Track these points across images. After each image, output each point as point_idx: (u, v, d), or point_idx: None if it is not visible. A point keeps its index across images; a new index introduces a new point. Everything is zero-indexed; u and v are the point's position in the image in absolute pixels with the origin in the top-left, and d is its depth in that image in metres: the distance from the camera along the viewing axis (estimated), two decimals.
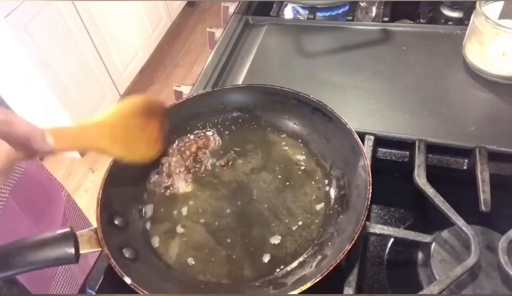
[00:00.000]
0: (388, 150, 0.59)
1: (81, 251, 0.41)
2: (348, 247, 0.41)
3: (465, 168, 0.56)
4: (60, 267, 0.72)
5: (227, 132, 0.61)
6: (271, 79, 0.62)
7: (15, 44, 1.50)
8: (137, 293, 0.40)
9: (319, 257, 0.45)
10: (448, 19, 0.83)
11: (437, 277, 0.43)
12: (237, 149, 0.59)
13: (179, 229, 0.51)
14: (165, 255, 0.49)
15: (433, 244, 0.45)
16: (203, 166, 0.57)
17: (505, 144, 0.53)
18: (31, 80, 1.63)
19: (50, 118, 1.79)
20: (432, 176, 0.50)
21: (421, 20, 0.80)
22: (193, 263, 0.48)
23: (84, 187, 1.91)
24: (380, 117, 0.61)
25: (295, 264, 0.47)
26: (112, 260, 0.42)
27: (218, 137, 0.60)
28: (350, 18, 0.83)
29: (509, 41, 0.60)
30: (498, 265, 0.42)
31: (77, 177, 1.94)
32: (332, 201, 0.52)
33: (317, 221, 0.50)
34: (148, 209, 0.53)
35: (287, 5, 0.92)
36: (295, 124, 0.59)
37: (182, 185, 0.56)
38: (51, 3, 1.62)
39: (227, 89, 0.62)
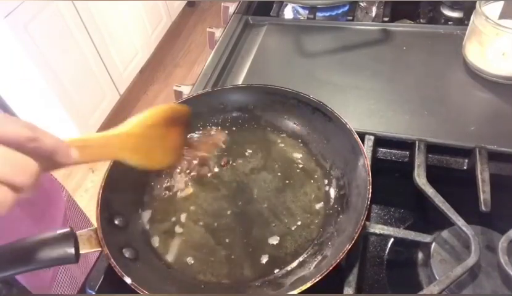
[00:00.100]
0: (388, 150, 0.59)
1: (81, 251, 0.41)
2: (348, 247, 0.41)
3: (465, 168, 0.56)
4: (61, 268, 0.72)
5: (227, 132, 0.61)
6: (271, 79, 0.62)
7: (15, 44, 1.50)
8: (137, 293, 0.40)
9: (319, 257, 0.45)
10: (448, 19, 0.83)
11: (437, 277, 0.43)
12: (237, 149, 0.59)
13: (179, 229, 0.51)
14: (165, 255, 0.49)
15: (433, 244, 0.45)
16: (204, 166, 0.57)
17: (505, 144, 0.53)
18: (31, 80, 1.63)
19: (50, 118, 1.79)
20: (432, 176, 0.50)
21: (421, 20, 0.80)
22: (193, 262, 0.48)
23: (84, 187, 1.91)
24: (380, 117, 0.61)
25: (295, 264, 0.47)
26: (112, 260, 0.42)
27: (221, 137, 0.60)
28: (350, 18, 0.83)
29: (509, 41, 0.60)
30: (498, 265, 0.42)
31: (77, 177, 1.95)
32: (332, 201, 0.52)
33: (317, 221, 0.50)
34: (148, 210, 0.53)
35: (287, 5, 0.92)
36: (295, 124, 0.59)
37: (182, 186, 0.56)
38: (51, 3, 1.62)
39: (227, 89, 0.62)
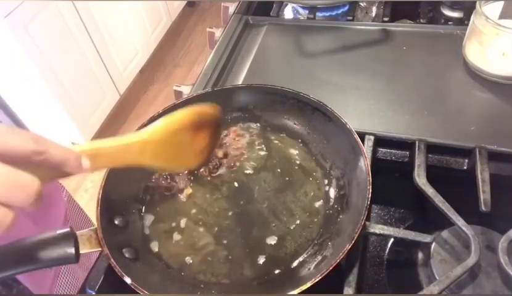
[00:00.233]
0: (388, 150, 0.59)
1: (81, 251, 0.41)
2: (348, 247, 0.41)
3: (465, 168, 0.56)
4: (63, 268, 0.72)
5: (226, 132, 0.61)
6: (271, 79, 0.62)
7: (15, 44, 1.50)
8: (137, 293, 0.40)
9: (319, 257, 0.45)
10: (448, 19, 0.83)
11: (437, 277, 0.43)
12: (237, 149, 0.59)
13: (179, 229, 0.51)
14: (165, 255, 0.49)
15: (433, 244, 0.45)
16: (205, 167, 0.57)
17: (505, 144, 0.53)
18: (31, 80, 1.63)
19: (50, 118, 1.79)
20: (432, 176, 0.50)
21: (421, 20, 0.80)
22: (193, 262, 0.48)
23: (84, 187, 1.91)
24: (380, 117, 0.61)
25: (295, 264, 0.47)
26: (112, 260, 0.42)
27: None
28: (350, 18, 0.83)
29: (509, 41, 0.60)
30: (498, 265, 0.42)
31: (77, 177, 1.94)
32: (332, 201, 0.52)
33: (317, 221, 0.50)
34: (148, 210, 0.53)
35: (287, 5, 0.92)
36: (295, 124, 0.59)
37: (183, 186, 0.56)
38: (51, 3, 1.62)
39: (227, 89, 0.62)
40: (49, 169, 0.31)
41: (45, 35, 1.61)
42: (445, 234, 0.46)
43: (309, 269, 0.45)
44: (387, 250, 0.51)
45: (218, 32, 0.85)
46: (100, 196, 0.47)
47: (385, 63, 0.71)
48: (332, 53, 0.75)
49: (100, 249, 0.43)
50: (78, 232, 0.42)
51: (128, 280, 0.41)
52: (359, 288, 0.45)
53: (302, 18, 0.89)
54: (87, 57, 1.86)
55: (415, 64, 0.70)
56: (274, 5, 0.91)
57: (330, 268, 0.39)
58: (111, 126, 2.13)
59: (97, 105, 1.97)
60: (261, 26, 0.83)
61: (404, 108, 0.62)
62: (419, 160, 0.52)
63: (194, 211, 0.53)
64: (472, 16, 0.64)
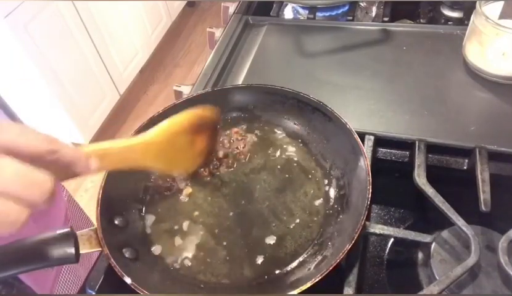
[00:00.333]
0: (388, 150, 0.59)
1: (81, 251, 0.41)
2: (348, 247, 0.41)
3: (465, 168, 0.56)
4: (65, 267, 0.72)
5: (227, 132, 0.61)
6: (271, 79, 0.62)
7: (15, 44, 1.50)
8: (137, 293, 0.40)
9: (319, 257, 0.45)
10: (448, 19, 0.83)
11: (437, 277, 0.43)
12: (237, 149, 0.59)
13: (179, 229, 0.51)
14: (165, 255, 0.49)
15: (433, 244, 0.45)
16: (205, 167, 0.57)
17: (505, 144, 0.53)
18: (31, 80, 1.63)
19: (50, 118, 1.79)
20: (432, 176, 0.50)
21: (421, 20, 0.80)
22: (193, 262, 0.48)
23: (84, 187, 1.91)
24: (380, 117, 0.61)
25: (295, 264, 0.47)
26: (112, 260, 0.42)
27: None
28: (350, 18, 0.83)
29: (509, 41, 0.60)
30: (498, 265, 0.42)
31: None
32: (332, 201, 0.52)
33: (317, 221, 0.50)
34: (148, 210, 0.53)
35: (287, 5, 0.92)
36: (295, 124, 0.59)
37: (183, 185, 0.56)
38: (51, 3, 1.62)
39: (227, 89, 0.62)
40: (58, 169, 0.32)
41: (45, 35, 1.61)
42: (445, 234, 0.46)
43: (309, 269, 0.45)
44: (387, 250, 0.51)
45: (218, 32, 0.85)
46: (100, 196, 0.47)
47: (385, 63, 0.71)
48: (332, 53, 0.75)
49: (100, 249, 0.43)
50: (78, 232, 0.42)
51: (128, 280, 0.41)
52: (359, 288, 0.45)
53: (302, 18, 0.89)
54: (87, 57, 1.86)
55: (415, 64, 0.70)
56: (274, 5, 0.91)
57: (330, 268, 0.39)
58: (111, 126, 2.13)
59: (97, 105, 1.97)
60: (261, 26, 0.83)
61: (404, 108, 0.62)
62: (419, 160, 0.52)
63: (194, 211, 0.53)
64: (472, 16, 0.64)
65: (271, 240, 0.49)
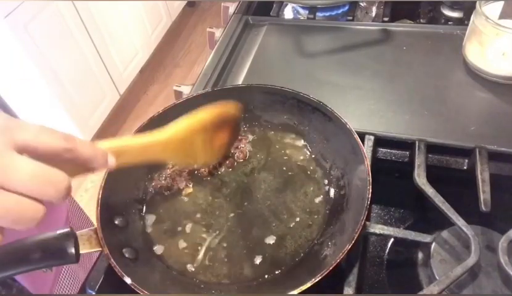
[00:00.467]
0: (388, 150, 0.59)
1: (81, 251, 0.41)
2: (348, 247, 0.41)
3: (465, 168, 0.56)
4: (64, 269, 0.72)
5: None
6: (271, 79, 0.61)
7: (15, 44, 1.50)
8: (137, 293, 0.40)
9: (319, 257, 0.45)
10: (448, 19, 0.83)
11: (437, 277, 0.43)
12: (237, 149, 0.59)
13: (179, 229, 0.51)
14: (165, 255, 0.49)
15: (433, 244, 0.45)
16: (205, 167, 0.57)
17: (505, 144, 0.53)
18: (31, 80, 1.63)
19: (50, 118, 1.79)
20: (432, 176, 0.49)
21: (421, 20, 0.80)
22: (193, 262, 0.48)
23: (84, 187, 1.91)
24: (380, 117, 0.61)
25: (295, 264, 0.47)
26: (112, 260, 0.42)
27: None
28: (350, 18, 0.83)
29: (509, 41, 0.59)
30: (498, 265, 0.42)
31: (78, 177, 1.94)
32: (332, 201, 0.52)
33: (317, 221, 0.50)
34: (148, 210, 0.53)
35: (287, 5, 0.92)
36: (294, 124, 0.59)
37: (183, 185, 0.56)
38: (51, 3, 1.62)
39: (227, 89, 0.62)
40: (75, 166, 0.32)
41: (45, 35, 1.61)
42: (445, 234, 0.46)
43: (310, 269, 0.44)
44: (387, 250, 0.51)
45: (218, 33, 0.85)
46: (100, 196, 0.47)
47: (385, 63, 0.71)
48: (332, 53, 0.75)
49: (100, 249, 0.43)
50: (78, 232, 0.42)
51: (127, 280, 0.40)
52: (359, 288, 0.45)
53: (302, 18, 0.89)
54: (87, 57, 1.86)
55: (415, 64, 0.70)
56: (274, 5, 0.91)
57: (330, 268, 0.39)
58: (111, 126, 2.13)
59: (97, 105, 1.97)
60: (261, 26, 0.83)
61: (404, 108, 0.62)
62: (419, 160, 0.52)
63: (194, 211, 0.53)
64: (472, 16, 0.64)
65: (271, 240, 0.49)
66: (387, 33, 0.77)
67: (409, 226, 0.53)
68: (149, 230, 0.51)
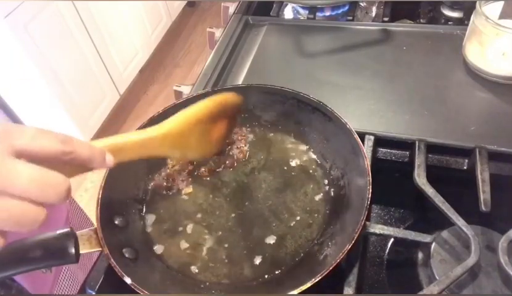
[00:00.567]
0: (388, 150, 0.59)
1: (81, 251, 0.41)
2: (348, 247, 0.41)
3: (465, 168, 0.56)
4: (64, 270, 0.72)
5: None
6: (271, 79, 0.62)
7: (15, 44, 1.50)
8: (137, 293, 0.40)
9: (319, 257, 0.45)
10: (448, 19, 0.83)
11: (437, 277, 0.43)
12: (237, 149, 0.59)
13: (179, 229, 0.51)
14: (165, 255, 0.49)
15: (433, 244, 0.45)
16: (205, 167, 0.57)
17: (505, 144, 0.53)
18: (31, 80, 1.63)
19: (50, 118, 1.79)
20: (432, 176, 0.49)
21: (421, 20, 0.80)
22: (193, 262, 0.48)
23: (84, 187, 1.91)
24: (380, 117, 0.61)
25: (295, 264, 0.47)
26: (112, 260, 0.42)
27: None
28: (350, 18, 0.83)
29: (509, 41, 0.60)
30: (498, 265, 0.42)
31: (77, 177, 1.94)
32: (332, 201, 0.52)
33: (317, 221, 0.50)
34: (148, 210, 0.53)
35: (287, 5, 0.92)
36: (295, 124, 0.59)
37: (183, 185, 0.56)
38: (51, 3, 1.62)
39: (227, 89, 0.62)
40: (74, 166, 0.32)
41: (45, 35, 1.61)
42: (445, 234, 0.46)
43: (310, 269, 0.44)
44: (387, 250, 0.51)
45: (218, 33, 0.85)
46: (100, 196, 0.47)
47: (385, 63, 0.71)
48: (332, 53, 0.75)
49: (100, 249, 0.43)
50: (78, 232, 0.42)
51: (127, 280, 0.41)
52: (359, 288, 0.45)
53: (302, 18, 0.89)
54: (87, 57, 1.86)
55: (415, 64, 0.70)
56: (274, 5, 0.91)
57: (330, 268, 0.39)
58: (111, 126, 2.13)
59: (97, 105, 1.97)
60: (261, 26, 0.83)
61: (404, 108, 0.62)
62: (419, 160, 0.52)
63: (194, 211, 0.53)
64: (472, 16, 0.64)
65: (271, 240, 0.49)
66: (387, 33, 0.77)
67: (409, 226, 0.53)
68: (149, 230, 0.51)
